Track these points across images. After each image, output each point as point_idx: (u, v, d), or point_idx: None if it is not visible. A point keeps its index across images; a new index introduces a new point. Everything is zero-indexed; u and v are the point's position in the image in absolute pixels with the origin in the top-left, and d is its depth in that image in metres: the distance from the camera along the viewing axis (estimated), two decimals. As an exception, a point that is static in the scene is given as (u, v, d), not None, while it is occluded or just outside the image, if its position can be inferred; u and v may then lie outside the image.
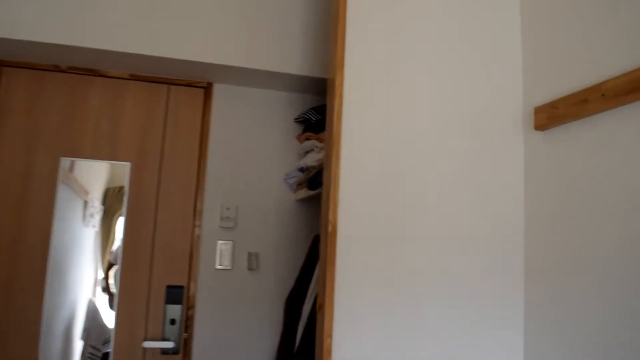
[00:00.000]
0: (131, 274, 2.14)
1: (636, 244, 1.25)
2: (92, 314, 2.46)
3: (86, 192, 2.39)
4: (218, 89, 2.34)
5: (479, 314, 1.58)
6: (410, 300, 1.53)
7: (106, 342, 2.24)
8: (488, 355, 1.58)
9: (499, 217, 1.64)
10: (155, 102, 2.27)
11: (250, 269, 2.27)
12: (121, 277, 2.12)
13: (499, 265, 1.62)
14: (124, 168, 2.23)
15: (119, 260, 2.16)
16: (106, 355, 2.20)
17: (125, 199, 2.20)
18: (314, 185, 1.98)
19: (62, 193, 2.17)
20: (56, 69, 2.17)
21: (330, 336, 1.42)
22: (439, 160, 1.62)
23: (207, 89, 2.33)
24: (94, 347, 2.29)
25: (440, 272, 1.57)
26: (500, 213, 1.65)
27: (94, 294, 2.50)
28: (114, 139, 2.21)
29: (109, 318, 2.23)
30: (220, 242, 2.24)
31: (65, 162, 2.15)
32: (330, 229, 1.49)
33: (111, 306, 2.27)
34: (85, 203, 2.39)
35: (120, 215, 2.66)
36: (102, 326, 2.30)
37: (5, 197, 2.07)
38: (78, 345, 2.27)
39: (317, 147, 2.17)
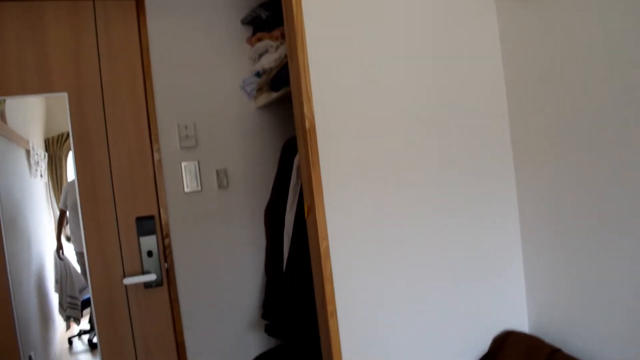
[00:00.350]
0: (94, 214, 1.97)
1: (623, 99, 1.18)
2: (62, 265, 2.35)
3: (26, 141, 2.16)
4: (150, -2, 2.08)
5: (471, 201, 1.53)
6: (401, 191, 1.45)
7: (83, 289, 2.14)
8: (485, 239, 1.54)
9: (480, 94, 1.55)
10: (82, 22, 1.99)
11: (220, 187, 2.13)
12: (84, 219, 1.95)
13: (486, 147, 1.55)
14: (62, 104, 2.00)
15: (77, 202, 1.98)
16: (86, 301, 2.10)
17: (70, 134, 1.98)
18: (277, 86, 1.82)
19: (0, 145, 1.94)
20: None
21: (326, 238, 1.34)
22: (411, 39, 1.48)
23: (138, 0, 2.06)
24: (71, 297, 2.19)
25: (426, 159, 1.49)
26: (480, 89, 1.55)
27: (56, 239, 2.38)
28: (43, 69, 1.94)
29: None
30: (184, 163, 2.08)
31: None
32: (307, 125, 1.36)
33: (59, 255, 2.16)
34: (28, 152, 2.17)
35: (64, 161, 2.47)
36: (75, 275, 2.19)
37: None
38: (55, 298, 2.16)
39: (271, 47, 1.98)
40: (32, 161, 2.26)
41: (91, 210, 1.97)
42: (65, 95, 1.96)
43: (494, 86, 1.56)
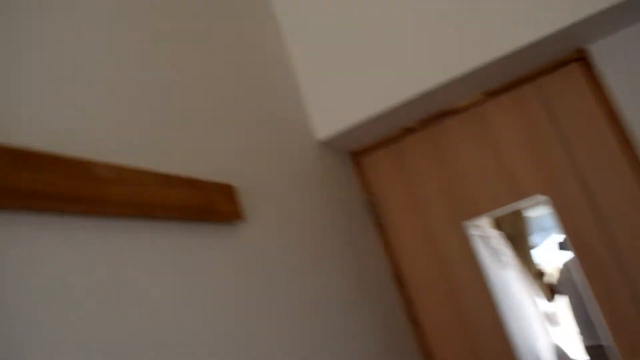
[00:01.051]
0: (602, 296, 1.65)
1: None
2: (560, 351, 2.20)
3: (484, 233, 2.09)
4: (597, 50, 1.65)
5: None
6: None
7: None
8: None
9: None
10: (528, 110, 1.75)
11: None
12: (611, 333, 1.65)
13: None
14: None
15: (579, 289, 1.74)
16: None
17: (566, 239, 1.73)
18: None
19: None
20: (409, 132, 1.87)
21: None
22: None
23: (582, 60, 1.70)
24: None
25: None
26: None
27: (548, 332, 2.26)
28: (506, 177, 1.77)
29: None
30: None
31: (466, 224, 1.82)
32: None
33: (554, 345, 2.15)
34: (488, 240, 2.07)
35: (527, 237, 2.37)
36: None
37: (435, 291, 1.85)
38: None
39: None
40: (496, 252, 2.16)
41: (599, 293, 1.65)
42: (545, 198, 1.72)
43: None
